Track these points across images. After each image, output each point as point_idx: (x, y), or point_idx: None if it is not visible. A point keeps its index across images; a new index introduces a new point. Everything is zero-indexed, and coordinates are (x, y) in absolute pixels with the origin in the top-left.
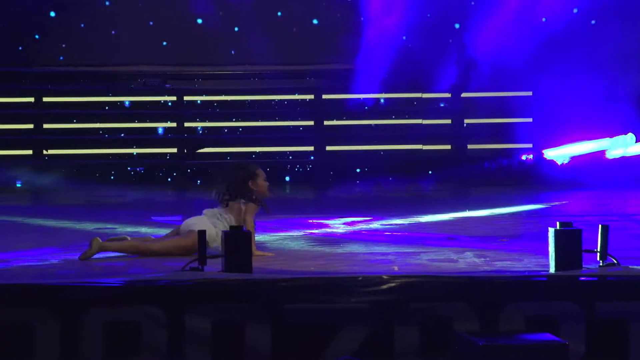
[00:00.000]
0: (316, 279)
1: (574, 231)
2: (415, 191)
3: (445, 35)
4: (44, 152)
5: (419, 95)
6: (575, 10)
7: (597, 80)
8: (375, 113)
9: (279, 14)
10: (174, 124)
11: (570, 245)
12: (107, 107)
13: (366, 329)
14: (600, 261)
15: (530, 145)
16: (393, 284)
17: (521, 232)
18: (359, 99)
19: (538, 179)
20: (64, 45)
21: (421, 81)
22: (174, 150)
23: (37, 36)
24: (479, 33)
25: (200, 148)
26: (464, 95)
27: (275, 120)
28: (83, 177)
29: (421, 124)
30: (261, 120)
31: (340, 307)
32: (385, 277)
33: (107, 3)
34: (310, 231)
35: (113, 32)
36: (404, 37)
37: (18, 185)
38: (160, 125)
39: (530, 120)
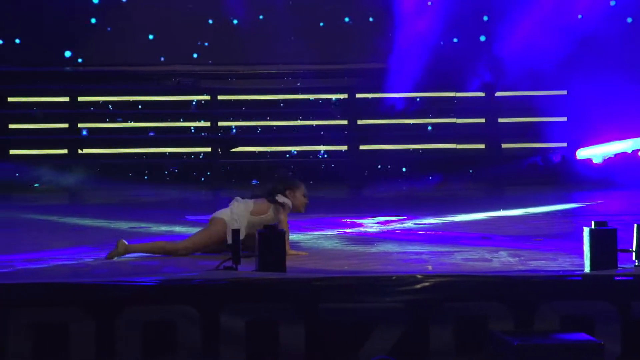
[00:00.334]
0: (350, 279)
1: (609, 230)
2: (449, 190)
3: (478, 34)
4: (79, 151)
5: (452, 94)
6: (612, 3)
7: (633, 79)
8: (409, 112)
9: (313, 16)
10: (208, 123)
11: (606, 244)
12: (140, 107)
13: (400, 328)
14: (636, 261)
15: (564, 145)
16: (427, 284)
17: (556, 232)
18: (391, 99)
19: (572, 178)
20: (99, 46)
21: (454, 80)
22: (208, 149)
23: (72, 36)
24: (513, 31)
25: (234, 147)
26: (498, 94)
27: (309, 120)
28: (117, 177)
29: (455, 123)
30: (295, 120)
31: (374, 307)
32: (419, 276)
33: (143, 3)
34: (344, 230)
35: (148, 32)
36: (442, 43)
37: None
38: (194, 125)
39: (565, 119)
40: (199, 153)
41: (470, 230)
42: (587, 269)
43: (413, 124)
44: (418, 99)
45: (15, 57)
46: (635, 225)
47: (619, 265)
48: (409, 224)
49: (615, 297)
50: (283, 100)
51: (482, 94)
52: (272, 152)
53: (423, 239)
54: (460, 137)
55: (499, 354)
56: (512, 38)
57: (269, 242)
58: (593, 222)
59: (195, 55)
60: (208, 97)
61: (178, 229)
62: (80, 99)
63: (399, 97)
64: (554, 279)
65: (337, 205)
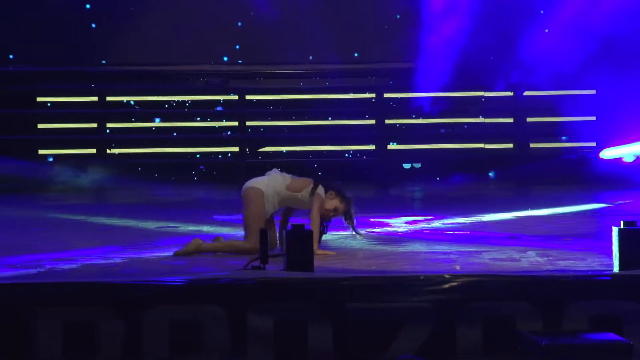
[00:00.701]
0: (378, 278)
1: (638, 230)
2: (477, 190)
3: (506, 33)
4: (108, 150)
5: (480, 94)
6: None
7: None
8: (436, 112)
9: (340, 15)
10: (236, 123)
11: (635, 244)
12: (166, 106)
13: (428, 328)
14: None
15: (593, 144)
16: (455, 283)
17: (584, 231)
18: (419, 99)
19: (601, 177)
20: (127, 45)
21: (482, 80)
22: (236, 149)
23: (100, 36)
24: (541, 30)
25: (261, 147)
26: (526, 93)
27: (337, 119)
28: (145, 176)
29: (483, 123)
30: (323, 119)
31: (402, 306)
32: (447, 276)
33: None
34: (372, 230)
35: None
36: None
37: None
38: (222, 124)
39: (593, 118)
40: (227, 153)
41: (499, 230)
42: (615, 269)
43: (441, 123)
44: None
45: (44, 57)
46: None
47: None
48: (437, 224)
49: None
50: (311, 100)
51: (510, 94)
52: (299, 151)
53: (451, 239)
54: (488, 137)
55: (527, 353)
56: (540, 37)
57: (297, 241)
58: (622, 222)
59: (225, 59)
60: (236, 97)
61: (206, 228)
62: (108, 98)
63: (427, 97)
64: (582, 279)
65: (365, 204)
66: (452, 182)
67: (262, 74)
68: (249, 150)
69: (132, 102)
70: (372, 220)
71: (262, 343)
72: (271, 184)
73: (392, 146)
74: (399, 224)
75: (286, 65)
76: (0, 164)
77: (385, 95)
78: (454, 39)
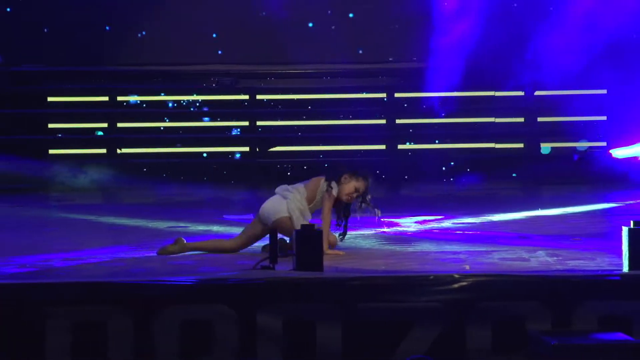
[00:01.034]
0: (387, 278)
1: None
2: (487, 190)
3: (518, 33)
4: (118, 150)
5: (491, 93)
6: None
7: None
8: (447, 112)
9: (351, 15)
10: (246, 123)
11: None
12: (175, 105)
13: (438, 328)
14: None
15: (604, 144)
16: (464, 283)
17: (594, 231)
18: (430, 99)
19: (611, 177)
20: (138, 45)
21: (493, 79)
22: (246, 148)
23: (111, 35)
24: (552, 30)
25: (272, 147)
26: (537, 93)
27: (348, 119)
28: (154, 176)
29: (494, 122)
30: (333, 119)
31: (411, 306)
32: (456, 276)
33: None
34: (382, 230)
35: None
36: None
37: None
38: (232, 124)
39: (604, 118)
40: (237, 152)
41: (508, 230)
42: (625, 269)
43: (452, 123)
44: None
45: (55, 56)
46: None
47: None
48: (447, 224)
49: None
50: (321, 100)
51: (521, 93)
52: (310, 151)
53: (460, 239)
54: (499, 136)
55: (537, 353)
56: (551, 37)
57: (307, 241)
58: (632, 222)
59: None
60: (247, 97)
61: (216, 228)
62: (119, 98)
63: (438, 97)
64: (592, 279)
65: (375, 204)
66: (462, 181)
67: (273, 73)
68: (259, 150)
69: (141, 102)
70: (382, 219)
71: (271, 343)
72: (292, 206)
73: (404, 146)
74: (408, 223)
75: (296, 65)
76: (11, 163)
77: (396, 95)
78: (465, 39)
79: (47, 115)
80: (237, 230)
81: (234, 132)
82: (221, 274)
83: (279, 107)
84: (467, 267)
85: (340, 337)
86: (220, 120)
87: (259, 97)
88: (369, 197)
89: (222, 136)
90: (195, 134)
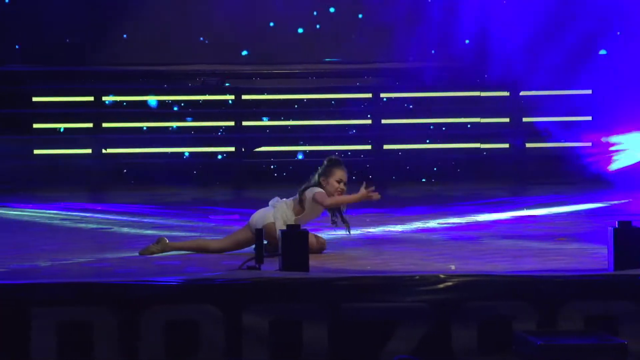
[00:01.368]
0: (373, 278)
1: (633, 230)
2: (472, 190)
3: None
4: (103, 151)
5: (477, 93)
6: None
7: None
8: (433, 112)
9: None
10: (232, 123)
11: (630, 244)
12: (164, 106)
13: (423, 327)
14: None
15: (589, 144)
16: (450, 283)
17: (580, 231)
18: (416, 99)
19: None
20: (123, 45)
21: (479, 79)
22: (232, 149)
23: (96, 35)
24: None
25: (258, 147)
26: (522, 93)
27: (333, 119)
28: (140, 176)
29: (479, 122)
30: (319, 119)
31: (397, 306)
32: (442, 276)
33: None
34: (367, 230)
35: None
36: (467, 41)
37: None
38: (218, 124)
39: (589, 118)
40: (223, 152)
41: (494, 230)
42: (611, 269)
43: (437, 123)
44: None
45: (40, 56)
46: None
47: None
48: (433, 224)
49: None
50: (307, 100)
51: (506, 94)
52: (296, 151)
53: (446, 239)
54: (485, 137)
55: (522, 353)
56: (536, 37)
57: (292, 241)
58: (617, 222)
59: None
60: (232, 97)
61: (202, 228)
62: (104, 98)
63: (423, 97)
64: (577, 279)
65: (360, 204)
66: (447, 181)
67: (259, 73)
68: (245, 150)
69: (126, 102)
70: (368, 220)
71: (257, 343)
72: (277, 214)
73: (390, 146)
74: (394, 223)
75: (282, 65)
76: None
77: (382, 95)
78: (451, 39)
79: (32, 115)
80: (222, 229)
81: (220, 132)
82: (207, 274)
83: (267, 107)
84: (453, 267)
85: (326, 337)
86: (206, 120)
87: (244, 97)
88: (343, 209)
89: (207, 136)
90: (181, 134)
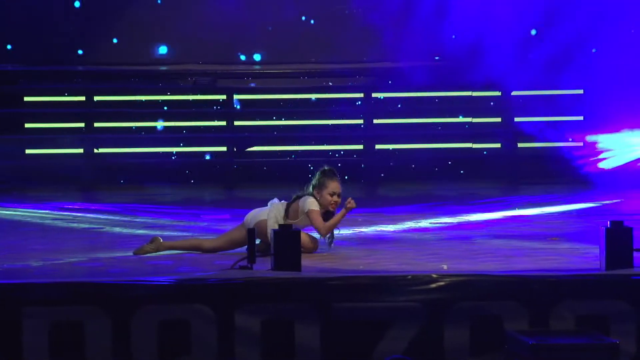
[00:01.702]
0: (365, 278)
1: (624, 230)
2: (464, 189)
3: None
4: (95, 150)
5: (468, 93)
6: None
7: None
8: (425, 111)
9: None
10: (224, 123)
11: (621, 243)
12: (156, 106)
13: (415, 327)
14: None
15: (580, 144)
16: (442, 283)
17: (572, 231)
18: (407, 99)
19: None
20: (115, 44)
21: (471, 79)
22: (224, 148)
23: (88, 35)
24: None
25: (249, 147)
26: (514, 93)
27: (325, 119)
28: (133, 175)
29: (471, 122)
30: (310, 119)
31: (389, 306)
32: (434, 275)
33: (158, 1)
34: (359, 229)
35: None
36: (454, 36)
37: None
38: (209, 124)
39: (581, 118)
40: (214, 152)
41: (486, 230)
42: (603, 269)
43: (428, 123)
44: (437, 99)
45: (31, 56)
46: None
47: (634, 265)
48: (425, 223)
49: (631, 296)
50: (299, 100)
51: (498, 93)
52: (288, 151)
53: (438, 238)
54: (476, 136)
55: (514, 353)
56: (526, 37)
57: (284, 241)
58: (609, 222)
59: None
60: (224, 97)
61: (193, 227)
62: (96, 98)
63: (415, 97)
64: (569, 279)
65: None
66: (439, 181)
67: (250, 73)
68: (237, 150)
69: (117, 102)
70: (360, 219)
71: (249, 342)
72: (271, 214)
73: (381, 146)
74: (386, 223)
75: (273, 65)
76: None
77: (373, 94)
78: (442, 39)
79: (24, 115)
80: (213, 230)
81: (211, 132)
82: (199, 274)
83: (258, 107)
84: (445, 267)
85: (318, 337)
86: (197, 120)
87: (236, 97)
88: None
89: (199, 136)
90: (172, 133)
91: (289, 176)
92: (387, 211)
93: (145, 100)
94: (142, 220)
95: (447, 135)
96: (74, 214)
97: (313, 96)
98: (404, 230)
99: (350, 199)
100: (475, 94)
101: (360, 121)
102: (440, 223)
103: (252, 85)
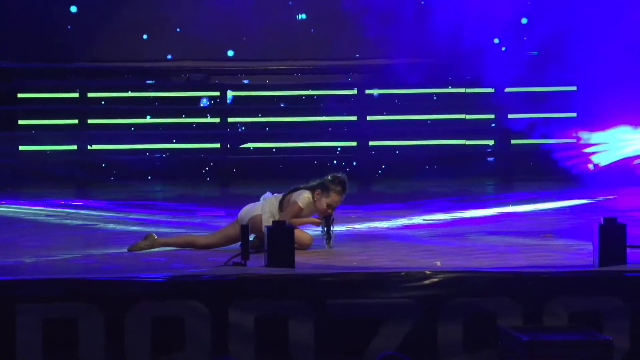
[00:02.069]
0: (359, 274)
1: (618, 226)
2: (458, 186)
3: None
4: (88, 147)
5: (462, 90)
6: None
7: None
8: (418, 108)
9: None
10: (217, 119)
11: (615, 240)
12: (149, 103)
13: (409, 324)
14: None
15: (574, 140)
16: (436, 279)
17: (565, 227)
18: (401, 95)
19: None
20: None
21: (464, 76)
22: (217, 145)
23: (81, 32)
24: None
25: (243, 143)
26: (507, 90)
27: (318, 116)
28: (126, 172)
29: (464, 119)
30: (304, 116)
31: (383, 303)
32: (428, 272)
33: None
34: (353, 226)
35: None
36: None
37: None
38: (203, 121)
39: (574, 115)
40: (208, 149)
41: (479, 226)
42: (596, 265)
43: (422, 119)
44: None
45: (25, 53)
46: None
47: (628, 262)
48: (418, 220)
49: (624, 293)
50: (292, 96)
51: (491, 90)
52: (281, 148)
53: (432, 235)
54: (470, 133)
55: (508, 349)
56: (520, 34)
57: (278, 237)
58: (602, 218)
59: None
60: (217, 93)
61: (188, 224)
62: (89, 94)
63: (408, 93)
64: (563, 275)
65: (347, 201)
66: (433, 178)
67: (244, 70)
68: (230, 147)
69: (111, 98)
70: (354, 216)
71: (243, 339)
72: (266, 208)
73: (375, 142)
74: (380, 220)
75: (267, 61)
76: None
77: (367, 91)
78: (436, 35)
79: (17, 112)
80: (207, 226)
81: (205, 129)
82: (193, 271)
83: (252, 104)
84: (439, 263)
85: (312, 333)
86: (191, 117)
87: (230, 93)
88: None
89: (193, 132)
90: (165, 130)
91: (282, 173)
92: (381, 207)
93: (139, 97)
94: (136, 216)
95: (441, 132)
96: (68, 210)
97: (306, 93)
98: (398, 227)
99: (325, 217)
100: (468, 90)
101: (354, 118)
102: (434, 220)
103: (246, 82)
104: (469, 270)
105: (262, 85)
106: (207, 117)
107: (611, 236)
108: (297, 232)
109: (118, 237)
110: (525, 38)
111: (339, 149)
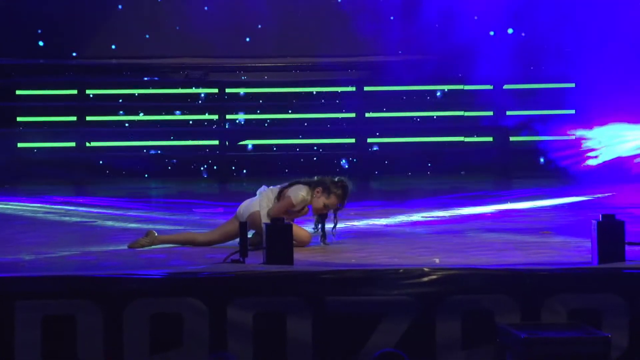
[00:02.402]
0: (357, 271)
1: (616, 223)
2: (456, 183)
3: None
4: (87, 144)
5: (460, 87)
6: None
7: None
8: (417, 105)
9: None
10: (216, 116)
11: (613, 237)
12: (148, 100)
13: (407, 321)
14: None
15: (572, 137)
16: (434, 277)
17: (563, 224)
18: (399, 92)
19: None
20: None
21: (463, 73)
22: (216, 142)
23: (80, 28)
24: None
25: (242, 140)
26: (505, 87)
27: (317, 113)
28: (124, 169)
29: (463, 116)
30: (302, 113)
31: (381, 300)
32: (426, 269)
33: None
34: (352, 223)
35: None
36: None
37: None
38: (201, 118)
39: (573, 112)
40: (207, 146)
41: (478, 223)
42: (594, 262)
43: (421, 116)
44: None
45: (24, 49)
46: None
47: (627, 259)
48: (417, 217)
49: (623, 290)
50: (291, 93)
51: (490, 87)
52: (280, 145)
53: (430, 232)
54: (468, 130)
55: (506, 347)
56: (519, 29)
57: (276, 234)
58: (601, 215)
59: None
60: (216, 90)
61: (186, 221)
62: (88, 91)
63: (407, 90)
64: (561, 272)
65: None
66: (431, 175)
67: (243, 66)
68: (229, 143)
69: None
70: (352, 213)
71: (241, 336)
72: (263, 203)
73: (374, 139)
74: (378, 217)
75: (266, 58)
76: None
77: (366, 88)
78: (434, 32)
79: (16, 109)
80: (206, 223)
81: (203, 125)
82: (191, 268)
83: (251, 101)
84: (437, 260)
85: (310, 330)
86: (190, 114)
87: (228, 90)
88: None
89: (192, 129)
90: (164, 127)
91: (280, 169)
92: (379, 205)
93: (137, 94)
94: (135, 213)
95: (439, 129)
96: (66, 207)
97: (305, 90)
98: (396, 224)
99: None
100: (467, 87)
101: (353, 115)
102: (432, 217)
103: (244, 78)
104: (468, 268)
105: (260, 82)
106: (205, 114)
107: (610, 233)
108: (295, 229)
109: (116, 234)
110: (523, 34)
111: (334, 145)
